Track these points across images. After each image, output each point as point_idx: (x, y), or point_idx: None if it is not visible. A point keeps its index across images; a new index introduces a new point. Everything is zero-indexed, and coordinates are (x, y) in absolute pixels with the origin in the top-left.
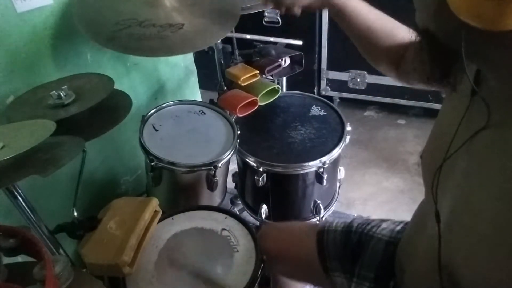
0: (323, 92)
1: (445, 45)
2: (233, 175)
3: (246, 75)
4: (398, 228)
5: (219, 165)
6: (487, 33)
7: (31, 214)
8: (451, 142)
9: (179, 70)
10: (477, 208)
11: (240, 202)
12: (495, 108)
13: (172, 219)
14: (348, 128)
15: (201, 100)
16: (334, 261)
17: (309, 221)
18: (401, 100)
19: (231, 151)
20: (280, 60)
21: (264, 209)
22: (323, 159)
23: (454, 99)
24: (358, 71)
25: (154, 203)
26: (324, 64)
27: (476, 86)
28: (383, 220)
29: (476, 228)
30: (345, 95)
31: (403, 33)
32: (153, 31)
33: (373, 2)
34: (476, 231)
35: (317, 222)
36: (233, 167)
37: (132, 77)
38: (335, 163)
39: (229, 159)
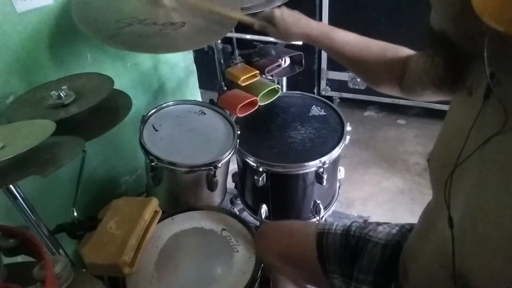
0: (323, 92)
1: (460, 48)
2: (233, 175)
3: (246, 75)
4: (394, 231)
5: (219, 165)
6: None
7: (31, 214)
8: (463, 147)
9: (179, 70)
10: (491, 216)
11: (240, 202)
12: (509, 112)
13: (172, 219)
14: (348, 128)
15: (201, 100)
16: (334, 264)
17: (308, 220)
18: (401, 100)
19: (231, 151)
20: (280, 60)
21: (264, 209)
22: (323, 159)
23: (464, 103)
24: None
25: (154, 203)
26: (324, 64)
27: (490, 91)
28: (379, 224)
29: (491, 236)
30: (345, 95)
31: (393, 50)
32: (154, 29)
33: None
34: (491, 239)
35: (316, 222)
36: (233, 167)
37: (132, 77)
38: (335, 163)
39: (229, 159)
